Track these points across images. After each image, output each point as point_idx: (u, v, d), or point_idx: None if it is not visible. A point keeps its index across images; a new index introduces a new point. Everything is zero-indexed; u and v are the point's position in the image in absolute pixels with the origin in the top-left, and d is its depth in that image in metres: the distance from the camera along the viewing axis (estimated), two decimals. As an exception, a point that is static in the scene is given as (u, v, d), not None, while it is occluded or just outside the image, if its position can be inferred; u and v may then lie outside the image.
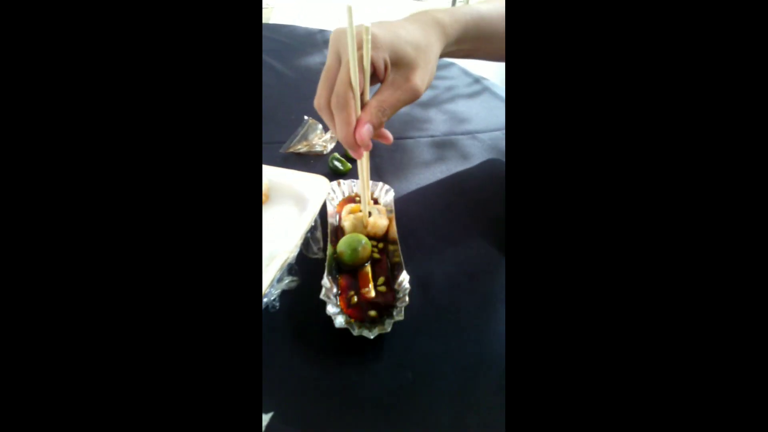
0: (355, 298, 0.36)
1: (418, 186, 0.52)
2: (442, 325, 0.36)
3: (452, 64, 0.84)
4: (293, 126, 0.59)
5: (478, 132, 0.64)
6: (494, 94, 0.75)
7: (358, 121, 0.31)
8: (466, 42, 0.40)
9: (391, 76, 0.32)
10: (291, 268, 0.38)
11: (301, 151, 0.56)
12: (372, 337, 0.32)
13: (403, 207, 0.48)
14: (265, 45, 0.87)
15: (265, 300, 0.36)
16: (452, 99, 0.73)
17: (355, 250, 0.38)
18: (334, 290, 0.36)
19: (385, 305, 0.35)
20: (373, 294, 0.36)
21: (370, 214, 0.42)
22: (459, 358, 0.33)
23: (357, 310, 0.35)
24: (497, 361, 0.33)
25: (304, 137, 0.57)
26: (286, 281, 0.37)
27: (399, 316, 0.34)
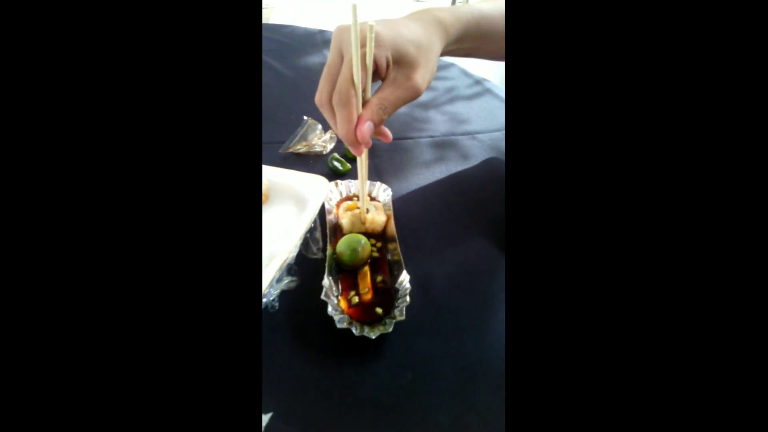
0: (356, 299, 0.36)
1: (418, 186, 0.52)
2: (442, 325, 0.36)
3: (452, 64, 0.84)
4: (293, 126, 0.59)
5: (478, 132, 0.64)
6: (494, 95, 0.75)
7: (359, 118, 0.31)
8: (466, 41, 0.40)
9: (392, 74, 0.32)
10: (290, 269, 0.38)
11: (301, 151, 0.56)
12: (374, 337, 0.32)
13: (402, 207, 0.48)
14: (265, 45, 0.87)
15: (264, 300, 0.36)
16: (452, 100, 0.73)
17: (354, 251, 0.38)
18: (335, 291, 0.36)
19: (386, 305, 0.35)
20: (372, 295, 0.36)
21: (367, 210, 0.42)
22: (459, 358, 0.33)
23: (358, 311, 0.35)
24: (497, 361, 0.33)
25: (304, 137, 0.57)
26: (286, 281, 0.37)
27: (400, 315, 0.34)
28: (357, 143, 0.32)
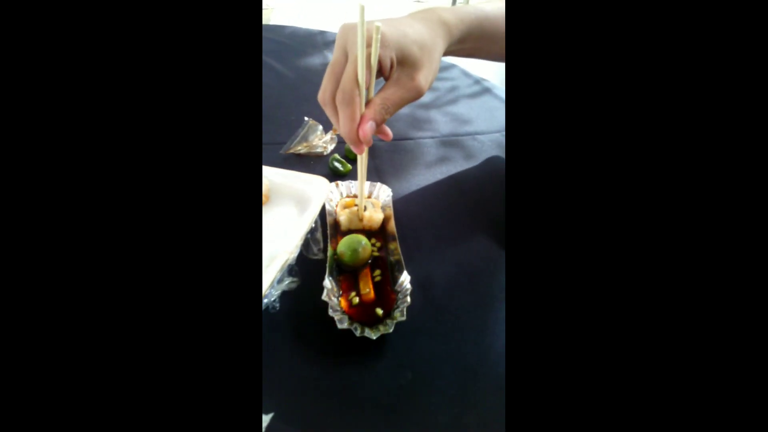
0: (357, 299, 0.36)
1: (419, 187, 0.52)
2: (443, 325, 0.36)
3: (453, 65, 0.84)
4: (293, 127, 0.60)
5: (478, 133, 0.64)
6: (495, 96, 0.75)
7: (362, 117, 0.31)
8: (469, 41, 0.40)
9: (396, 74, 0.32)
10: (291, 269, 0.38)
11: (302, 152, 0.56)
12: (375, 337, 0.32)
13: (403, 207, 0.48)
14: (266, 46, 0.87)
15: (265, 301, 0.36)
16: (453, 100, 0.73)
17: (355, 251, 0.38)
18: (336, 291, 0.36)
19: (386, 305, 0.36)
20: (373, 295, 0.36)
21: (365, 208, 0.42)
22: (459, 358, 0.33)
23: (359, 311, 0.35)
24: (497, 361, 0.33)
25: (305, 138, 0.57)
26: (287, 282, 0.37)
27: (401, 316, 0.34)
28: (359, 142, 0.32)
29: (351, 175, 0.52)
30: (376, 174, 0.54)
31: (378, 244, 0.41)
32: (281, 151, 0.56)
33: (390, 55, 0.31)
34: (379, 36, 0.28)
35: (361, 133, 0.31)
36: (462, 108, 0.71)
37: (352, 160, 0.54)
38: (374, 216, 0.43)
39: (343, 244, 0.39)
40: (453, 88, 0.77)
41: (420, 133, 0.63)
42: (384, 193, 0.47)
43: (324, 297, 0.35)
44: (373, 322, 0.34)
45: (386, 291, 0.37)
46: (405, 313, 0.34)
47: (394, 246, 0.40)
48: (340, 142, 0.58)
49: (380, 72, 0.32)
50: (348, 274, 0.39)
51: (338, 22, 0.32)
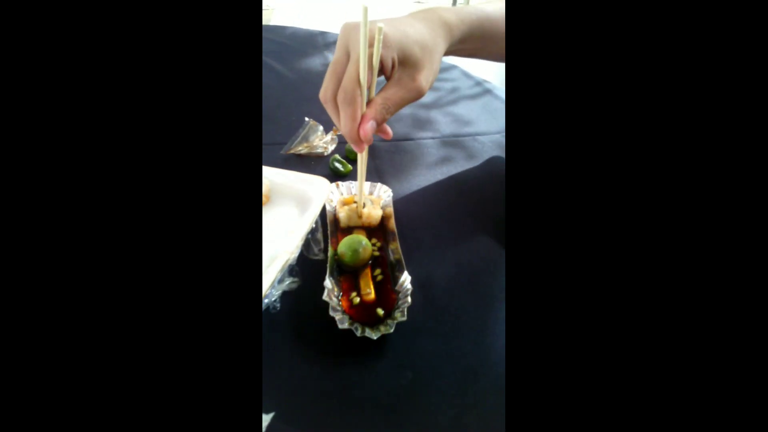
0: (357, 299, 0.36)
1: (419, 187, 0.52)
2: (443, 325, 0.36)
3: (454, 66, 0.84)
4: (294, 127, 0.60)
5: (479, 134, 0.64)
6: (496, 97, 0.75)
7: (363, 117, 0.31)
8: (470, 41, 0.40)
9: (397, 74, 0.33)
10: (292, 269, 0.38)
11: (302, 152, 0.56)
12: (375, 337, 0.33)
13: (403, 207, 0.48)
14: (266, 47, 0.87)
15: (266, 301, 0.36)
16: (454, 101, 0.73)
17: (355, 252, 0.38)
18: (336, 291, 0.36)
19: (387, 305, 0.36)
20: (374, 295, 0.36)
21: (364, 205, 0.43)
22: (459, 358, 0.34)
23: (359, 311, 0.35)
24: (497, 361, 0.33)
25: (305, 139, 0.57)
26: (287, 282, 0.37)
27: (402, 316, 0.34)
28: (360, 141, 0.32)
29: (351, 176, 0.52)
30: (376, 174, 0.54)
31: (378, 244, 0.41)
32: (282, 152, 0.56)
33: (391, 55, 0.31)
34: (382, 36, 0.29)
35: (362, 132, 0.31)
36: (463, 109, 0.71)
37: (353, 160, 0.54)
38: (373, 212, 0.43)
39: (344, 245, 0.39)
40: (454, 89, 0.77)
41: (421, 134, 0.63)
42: (384, 193, 0.47)
43: (325, 297, 0.35)
44: (374, 322, 0.34)
45: (387, 291, 0.37)
46: (406, 313, 0.34)
47: (395, 246, 0.40)
48: (341, 142, 0.58)
49: (381, 72, 0.32)
50: (349, 274, 0.39)
51: (339, 23, 0.32)
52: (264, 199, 0.45)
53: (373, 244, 0.41)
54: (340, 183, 0.48)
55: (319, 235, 0.43)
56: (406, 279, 0.37)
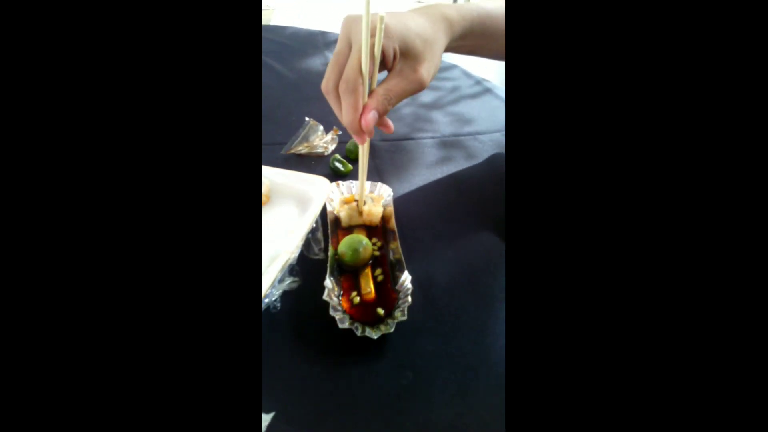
0: (358, 299, 0.36)
1: (419, 186, 0.52)
2: (443, 325, 0.36)
3: (455, 66, 0.84)
4: (294, 127, 0.60)
5: (480, 133, 0.64)
6: (496, 96, 0.75)
7: (364, 107, 0.31)
8: (470, 38, 0.40)
9: (399, 65, 0.33)
10: (292, 269, 0.38)
11: (302, 152, 0.56)
12: (376, 337, 0.33)
13: (404, 207, 0.48)
14: (266, 47, 0.87)
15: (266, 301, 0.36)
16: (454, 101, 0.73)
17: (356, 251, 0.38)
18: (337, 291, 0.36)
19: (387, 305, 0.36)
20: (374, 295, 0.36)
21: (365, 203, 0.43)
22: (459, 358, 0.33)
23: (360, 311, 0.35)
24: (497, 361, 0.33)
25: (305, 138, 0.57)
26: (288, 282, 0.37)
27: (402, 316, 0.34)
28: (361, 131, 0.32)
29: (352, 176, 0.52)
30: (377, 174, 0.54)
31: (379, 244, 0.41)
32: (282, 152, 0.56)
33: (393, 46, 0.31)
34: (383, 26, 0.29)
35: (363, 122, 0.31)
36: (463, 108, 0.71)
37: (353, 160, 0.54)
38: (374, 210, 0.43)
39: (344, 244, 0.39)
40: (454, 89, 0.77)
41: (421, 134, 0.63)
42: (385, 192, 0.47)
43: (325, 297, 0.35)
44: (375, 321, 0.34)
45: (387, 290, 0.37)
46: (406, 312, 0.34)
47: (395, 245, 0.40)
48: (341, 142, 0.58)
49: (383, 64, 0.32)
50: (349, 273, 0.39)
51: (339, 23, 0.32)
52: (264, 199, 0.45)
53: (374, 244, 0.41)
54: (340, 182, 0.48)
55: (320, 235, 0.43)
56: (406, 278, 0.37)
